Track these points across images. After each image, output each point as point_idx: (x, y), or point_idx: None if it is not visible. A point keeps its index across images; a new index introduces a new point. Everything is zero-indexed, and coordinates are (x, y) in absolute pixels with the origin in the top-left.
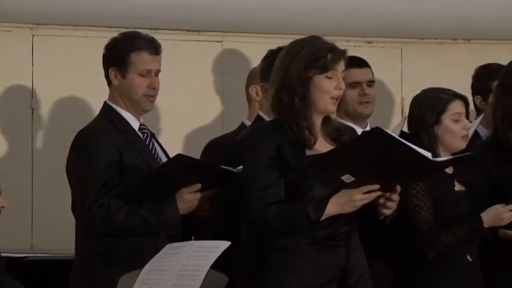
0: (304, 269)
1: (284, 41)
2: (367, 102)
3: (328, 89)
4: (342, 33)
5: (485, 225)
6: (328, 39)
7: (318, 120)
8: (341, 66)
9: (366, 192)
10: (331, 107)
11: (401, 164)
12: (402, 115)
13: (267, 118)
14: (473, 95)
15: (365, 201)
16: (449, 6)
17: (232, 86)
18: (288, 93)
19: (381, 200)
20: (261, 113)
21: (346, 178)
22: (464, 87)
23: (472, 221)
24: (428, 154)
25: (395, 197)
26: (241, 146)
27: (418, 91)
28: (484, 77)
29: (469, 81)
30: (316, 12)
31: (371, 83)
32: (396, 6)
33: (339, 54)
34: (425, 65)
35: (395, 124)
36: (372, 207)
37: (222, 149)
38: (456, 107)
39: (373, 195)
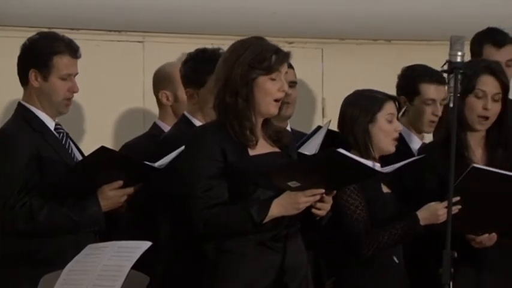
0: (248, 271)
1: (205, 41)
2: (288, 103)
3: (271, 90)
4: (262, 33)
5: (421, 223)
6: None
7: (259, 122)
8: (284, 68)
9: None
10: (273, 109)
11: (351, 176)
12: (323, 115)
13: (192, 118)
14: (399, 95)
15: (308, 204)
16: (369, 7)
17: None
18: (231, 93)
19: (316, 203)
20: (186, 113)
21: (292, 184)
22: (386, 87)
23: (407, 219)
24: (377, 166)
25: (328, 199)
26: (164, 145)
27: (339, 91)
28: (411, 78)
29: (390, 81)
30: (237, 12)
31: (293, 84)
32: (317, 7)
33: (283, 56)
34: (346, 65)
35: (317, 125)
36: (307, 209)
37: (135, 151)
38: (390, 107)
39: (317, 197)
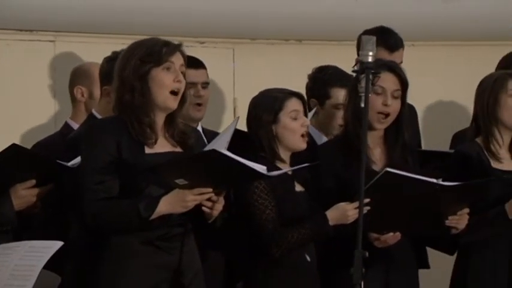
0: (137, 268)
1: (116, 41)
2: (200, 105)
3: (165, 82)
4: (174, 33)
5: (330, 223)
6: None
7: (159, 119)
8: (178, 59)
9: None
10: (171, 103)
11: (235, 176)
12: (235, 115)
13: (100, 117)
14: (309, 97)
15: (196, 202)
16: (280, 7)
17: (65, 85)
18: (128, 90)
19: (206, 203)
20: (94, 112)
21: (180, 181)
22: (297, 87)
23: (316, 218)
24: (262, 168)
25: (220, 199)
26: (72, 144)
27: (251, 91)
28: (322, 81)
29: (302, 81)
30: (148, 12)
31: (205, 85)
32: (228, 7)
33: (173, 47)
34: (258, 65)
35: (228, 124)
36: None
37: (46, 150)
38: (293, 104)
39: (205, 196)
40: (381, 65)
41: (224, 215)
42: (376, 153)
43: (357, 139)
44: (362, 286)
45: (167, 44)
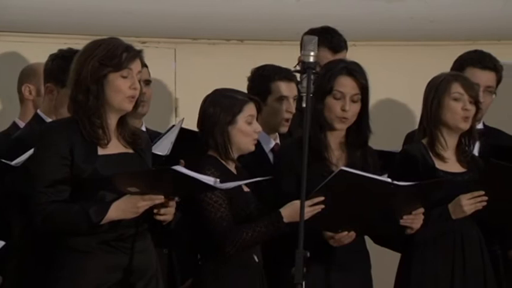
0: (93, 269)
1: (58, 41)
2: (143, 102)
3: (122, 88)
4: (116, 33)
5: (285, 220)
6: None
7: (113, 120)
8: (136, 66)
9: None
10: (127, 105)
11: (189, 188)
12: (176, 115)
13: (45, 117)
14: None
15: (147, 207)
16: (222, 7)
17: (5, 85)
18: (82, 91)
19: (155, 210)
20: (39, 111)
21: (132, 189)
22: (238, 87)
23: (271, 216)
24: (211, 180)
25: (172, 203)
26: (16, 144)
27: (192, 91)
28: (262, 78)
29: (243, 81)
30: (90, 11)
31: (147, 82)
32: (170, 7)
33: (133, 53)
34: (199, 66)
35: (169, 124)
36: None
37: None
38: (251, 109)
39: (156, 202)
40: (340, 69)
41: (177, 216)
42: (337, 154)
43: (315, 141)
44: (303, 286)
45: (128, 49)
